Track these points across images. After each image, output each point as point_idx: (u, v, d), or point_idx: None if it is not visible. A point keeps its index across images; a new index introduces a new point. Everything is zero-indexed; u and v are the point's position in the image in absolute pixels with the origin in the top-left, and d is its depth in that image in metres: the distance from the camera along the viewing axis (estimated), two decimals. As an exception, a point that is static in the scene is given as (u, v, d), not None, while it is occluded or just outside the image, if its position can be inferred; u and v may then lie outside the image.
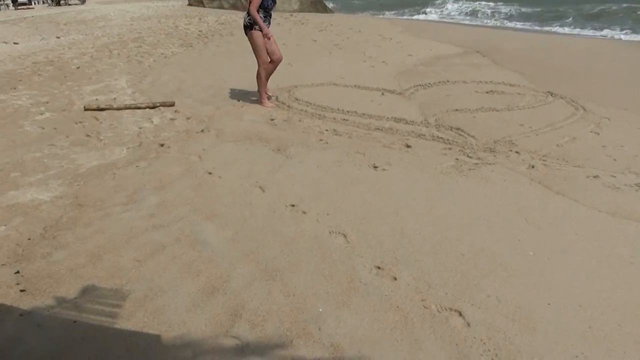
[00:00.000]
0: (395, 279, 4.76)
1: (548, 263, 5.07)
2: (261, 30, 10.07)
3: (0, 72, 14.01)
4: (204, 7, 37.22)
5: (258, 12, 10.03)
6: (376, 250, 5.24)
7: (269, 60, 10.45)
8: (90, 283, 4.73)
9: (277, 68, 10.78)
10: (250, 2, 10.00)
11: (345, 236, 5.51)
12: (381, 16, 40.60)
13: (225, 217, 5.92)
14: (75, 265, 5.03)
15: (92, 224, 5.82)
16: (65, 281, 4.75)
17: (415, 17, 40.82)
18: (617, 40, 23.40)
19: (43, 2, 57.47)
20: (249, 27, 10.14)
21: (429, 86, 12.46)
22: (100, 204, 6.33)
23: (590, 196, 6.55)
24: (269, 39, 10.21)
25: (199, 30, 21.84)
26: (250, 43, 10.32)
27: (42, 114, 10.04)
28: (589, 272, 4.94)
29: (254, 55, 10.26)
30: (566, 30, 28.74)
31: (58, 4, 56.30)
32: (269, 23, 10.42)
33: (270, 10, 10.40)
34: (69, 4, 57.01)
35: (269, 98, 11.06)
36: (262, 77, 10.63)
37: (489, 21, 36.13)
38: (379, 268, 4.92)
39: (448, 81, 12.94)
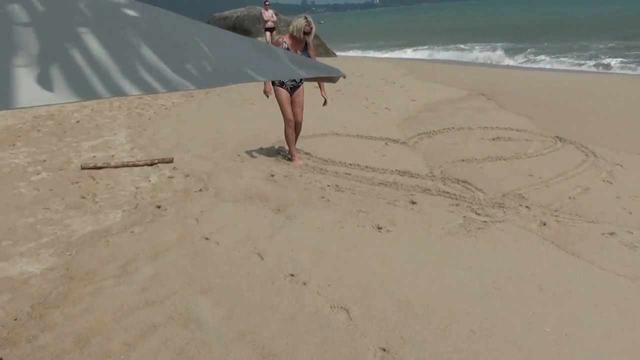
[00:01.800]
0: (402, 363, 4.45)
1: (566, 341, 4.73)
2: (281, 86, 9.93)
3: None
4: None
5: None
6: (381, 329, 4.92)
7: (292, 118, 10.18)
8: (74, 373, 4.43)
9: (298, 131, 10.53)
10: None
11: (347, 312, 5.19)
12: (372, 53, 40.66)
13: (221, 291, 5.62)
14: (61, 350, 4.73)
15: (82, 301, 5.53)
16: (49, 372, 4.46)
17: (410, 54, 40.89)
18: (627, 77, 23.16)
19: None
20: (272, 82, 9.90)
21: (433, 134, 12.22)
22: (91, 276, 6.04)
23: (608, 257, 6.22)
24: (267, 96, 10.13)
25: (201, 78, 21.65)
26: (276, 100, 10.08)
27: (38, 174, 9.81)
28: (609, 350, 4.60)
29: (254, 106, 10.14)
30: (570, 64, 28.54)
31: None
32: (293, 80, 9.91)
33: None
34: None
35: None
36: (288, 135, 10.28)
37: (491, 59, 36.08)
38: (384, 350, 4.60)
39: (453, 128, 12.71)
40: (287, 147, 10.56)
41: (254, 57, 2.83)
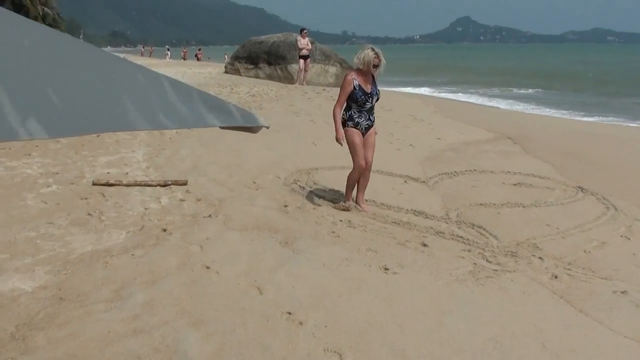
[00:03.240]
0: (390, 418, 4.20)
1: (566, 406, 4.48)
2: (355, 127, 9.00)
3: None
4: (240, 75, 37.27)
5: (351, 107, 8.89)
6: (373, 378, 4.68)
7: (363, 164, 9.11)
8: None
9: (366, 178, 9.40)
10: (337, 99, 8.98)
11: (340, 356, 4.96)
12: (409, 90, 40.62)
13: (213, 324, 5.41)
14: (37, 376, 4.54)
15: (69, 324, 5.34)
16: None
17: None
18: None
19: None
20: (343, 124, 9.03)
21: (454, 175, 11.99)
22: (83, 299, 5.86)
23: (617, 317, 5.95)
24: (340, 144, 9.06)
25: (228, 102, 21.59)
26: (346, 141, 9.08)
27: (48, 186, 9.71)
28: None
29: (278, 133, 9.83)
30: (601, 118, 28.27)
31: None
32: (369, 120, 9.07)
33: (366, 104, 8.90)
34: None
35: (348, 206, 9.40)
36: (352, 179, 9.32)
37: (525, 105, 35.90)
38: (373, 402, 4.36)
39: (475, 170, 12.47)
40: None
41: (164, 101, 2.64)
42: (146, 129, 2.43)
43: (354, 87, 8.70)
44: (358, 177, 9.25)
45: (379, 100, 9.16)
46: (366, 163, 9.12)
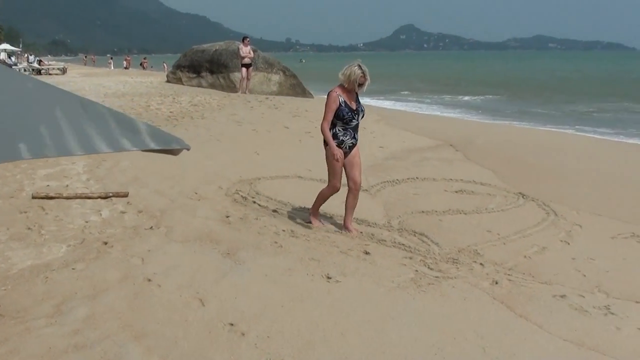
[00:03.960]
0: None
1: (504, 410, 4.57)
2: (339, 146, 8.51)
3: (-45, 151, 13.49)
4: (183, 84, 37.00)
5: (335, 125, 8.43)
6: (315, 387, 4.72)
7: (339, 187, 8.79)
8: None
9: (353, 199, 8.89)
10: (324, 116, 8.47)
11: (283, 367, 4.99)
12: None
13: (155, 338, 5.39)
14: (-25, 395, 4.48)
15: (9, 341, 5.26)
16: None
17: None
18: (594, 138, 23.32)
19: (25, 71, 56.85)
20: (325, 142, 8.57)
21: (397, 183, 12.10)
22: (23, 314, 5.78)
23: (556, 321, 6.08)
24: (337, 161, 8.48)
25: (170, 112, 21.46)
26: (326, 159, 8.69)
27: (-13, 201, 9.54)
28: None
29: (219, 143, 9.64)
30: (543, 125, 28.77)
31: (39, 73, 56.00)
32: (353, 138, 8.66)
33: (352, 122, 8.52)
34: (50, 74, 56.77)
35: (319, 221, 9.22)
36: (323, 198, 9.00)
37: (470, 113, 36.37)
38: (315, 412, 4.39)
39: (417, 178, 12.60)
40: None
41: (74, 124, 2.61)
42: (76, 155, 2.41)
43: (340, 104, 8.32)
44: (328, 196, 8.96)
45: (364, 117, 8.85)
46: (355, 183, 8.78)
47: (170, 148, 3.12)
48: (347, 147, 8.60)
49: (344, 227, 8.88)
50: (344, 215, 8.96)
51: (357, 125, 8.65)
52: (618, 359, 5.41)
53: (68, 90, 2.80)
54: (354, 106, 8.47)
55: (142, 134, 2.88)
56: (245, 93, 29.65)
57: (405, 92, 54.04)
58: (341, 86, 8.47)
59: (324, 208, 9.24)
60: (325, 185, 9.02)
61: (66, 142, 2.48)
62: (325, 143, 8.52)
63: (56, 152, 2.49)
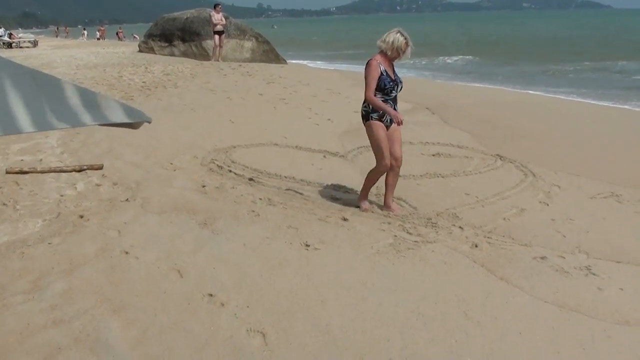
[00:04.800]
0: (314, 395, 4.24)
1: (486, 373, 4.58)
2: (380, 120, 8.03)
3: None
4: (155, 53, 36.67)
5: (375, 96, 7.89)
6: (297, 355, 4.72)
7: (390, 164, 8.18)
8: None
9: (389, 175, 8.35)
10: (366, 87, 7.96)
11: (264, 336, 4.98)
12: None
13: (134, 311, 5.36)
14: (-47, 374, 4.44)
15: (-14, 318, 5.22)
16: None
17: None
18: (570, 100, 23.38)
19: (-6, 44, 55.98)
20: (364, 117, 8.15)
21: (373, 148, 12.06)
22: (0, 291, 5.72)
23: (537, 283, 6.11)
24: (400, 123, 8.01)
25: (143, 82, 21.26)
26: (369, 137, 8.25)
27: (-41, 177, 9.42)
28: (530, 383, 4.46)
29: (194, 112, 9.42)
30: (519, 87, 28.76)
31: (9, 46, 55.15)
32: (394, 110, 8.05)
33: (392, 93, 8.00)
34: (21, 47, 55.95)
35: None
36: (374, 178, 8.39)
37: (441, 75, 36.35)
38: (297, 380, 4.39)
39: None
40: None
41: (25, 98, 2.52)
42: (29, 132, 2.31)
43: (381, 73, 7.83)
44: (378, 178, 8.41)
45: (401, 89, 8.22)
46: (396, 159, 8.20)
47: (130, 121, 3.05)
48: (388, 121, 8.10)
49: (384, 206, 8.41)
50: (384, 194, 8.51)
51: (396, 97, 8.12)
52: (600, 319, 5.45)
53: (35, 64, 2.73)
54: (393, 76, 8.00)
55: (100, 108, 2.80)
56: (218, 61, 29.46)
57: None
58: (381, 54, 7.98)
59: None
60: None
61: (15, 119, 2.39)
62: (366, 119, 8.12)
63: (2, 130, 2.39)
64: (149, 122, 3.16)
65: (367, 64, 7.96)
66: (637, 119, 18.09)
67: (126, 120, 2.94)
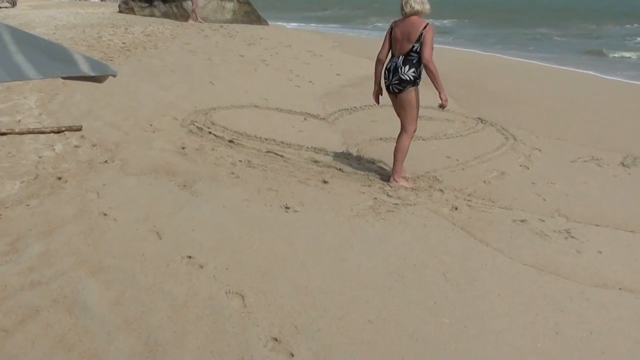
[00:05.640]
0: (293, 355, 4.25)
1: (464, 333, 4.62)
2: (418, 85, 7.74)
3: None
4: (135, 14, 36.29)
5: (417, 64, 7.54)
6: (275, 316, 4.72)
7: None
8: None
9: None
10: (423, 44, 7.40)
11: (242, 297, 4.98)
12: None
13: (112, 272, 5.34)
14: None
15: (-37, 280, 5.19)
16: None
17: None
18: (552, 66, 23.31)
19: (-28, 5, 55.13)
20: (411, 82, 7.64)
21: (354, 110, 12.05)
22: (-23, 253, 5.69)
23: (516, 246, 6.16)
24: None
25: (123, 42, 21.01)
26: (406, 104, 7.84)
27: (-64, 139, 9.31)
28: (509, 345, 4.51)
29: (174, 74, 9.19)
30: (502, 51, 28.68)
31: (-12, 6, 54.33)
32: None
33: None
34: (0, 7, 55.14)
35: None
36: (406, 149, 7.91)
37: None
38: (276, 340, 4.41)
39: (375, 105, 12.50)
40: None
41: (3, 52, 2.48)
42: None
43: None
44: (409, 146, 8.00)
45: None
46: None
47: (98, 75, 3.00)
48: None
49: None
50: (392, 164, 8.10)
51: None
52: (579, 282, 5.51)
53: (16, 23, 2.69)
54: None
55: (65, 61, 2.76)
56: (196, 21, 29.21)
57: (359, 20, 53.48)
58: (419, 17, 7.50)
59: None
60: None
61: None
62: (412, 84, 7.67)
63: None
64: (114, 76, 3.12)
65: (429, 27, 7.40)
66: (617, 86, 18.12)
67: (91, 73, 2.90)
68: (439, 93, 7.60)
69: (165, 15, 34.58)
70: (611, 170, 8.80)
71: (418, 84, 7.66)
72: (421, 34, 7.35)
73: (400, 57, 7.54)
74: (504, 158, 9.12)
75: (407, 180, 7.99)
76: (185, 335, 4.45)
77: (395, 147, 7.92)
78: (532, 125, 11.26)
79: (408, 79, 7.55)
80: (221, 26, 27.51)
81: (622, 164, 9.09)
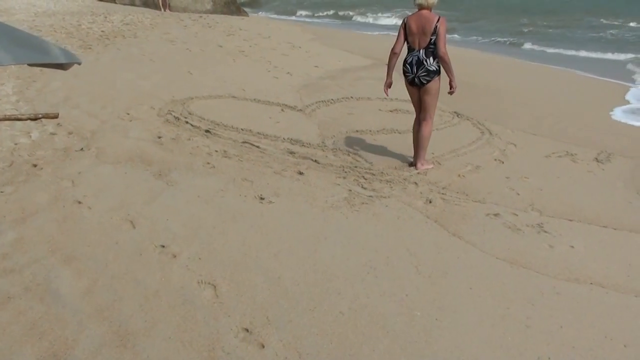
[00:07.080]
0: (263, 346, 4.28)
1: (436, 325, 4.66)
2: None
3: None
4: (115, 2, 36.11)
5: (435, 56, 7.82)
6: (247, 307, 4.74)
7: None
8: None
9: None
10: (437, 37, 7.71)
11: (215, 288, 5.01)
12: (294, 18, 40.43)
13: (85, 261, 5.34)
14: None
15: None
16: None
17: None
18: (530, 62, 23.40)
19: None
20: (438, 72, 7.91)
21: (331, 102, 12.06)
22: (-51, 239, 5.67)
23: (489, 239, 6.21)
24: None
25: (102, 31, 20.87)
26: (433, 93, 8.04)
27: None
28: (480, 338, 4.55)
29: (153, 63, 9.17)
30: (478, 46, 28.74)
31: (-37, -8, 53.79)
32: None
33: None
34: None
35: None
36: (428, 137, 8.31)
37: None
38: (247, 331, 4.43)
39: (352, 97, 12.57)
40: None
41: None
42: None
43: None
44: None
45: None
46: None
47: (64, 62, 3.00)
48: None
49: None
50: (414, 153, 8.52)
51: None
52: (551, 276, 5.56)
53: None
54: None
55: (30, 47, 2.76)
56: (167, 11, 29.16)
57: (332, 12, 53.35)
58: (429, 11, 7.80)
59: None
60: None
61: None
62: (438, 73, 7.91)
63: None
64: (79, 64, 3.12)
65: (442, 20, 7.72)
66: (592, 82, 18.23)
67: (56, 60, 2.90)
68: (450, 80, 7.91)
69: (145, 4, 34.50)
70: (585, 165, 8.88)
71: (439, 74, 7.92)
72: (436, 27, 7.66)
73: (422, 50, 7.85)
74: (479, 152, 9.17)
75: (428, 162, 8.47)
76: (156, 325, 4.46)
77: (420, 135, 8.30)
78: (508, 120, 11.34)
79: (435, 69, 7.85)
80: (201, 16, 27.45)
81: (596, 159, 9.16)
